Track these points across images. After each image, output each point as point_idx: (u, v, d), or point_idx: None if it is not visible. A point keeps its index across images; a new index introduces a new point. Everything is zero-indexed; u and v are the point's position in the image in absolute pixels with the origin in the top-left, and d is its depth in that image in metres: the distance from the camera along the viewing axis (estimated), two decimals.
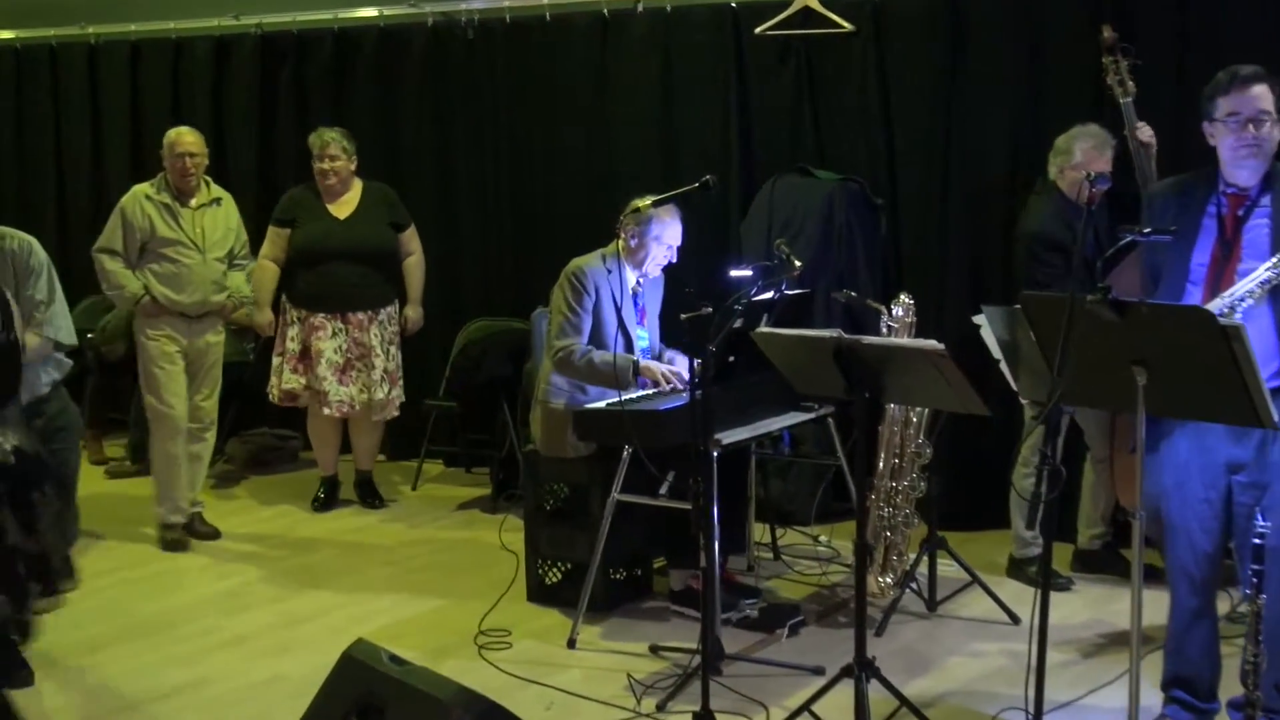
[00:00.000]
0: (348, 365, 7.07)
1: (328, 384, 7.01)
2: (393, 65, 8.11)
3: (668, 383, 5.49)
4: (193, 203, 6.68)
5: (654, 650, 5.25)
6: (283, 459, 8.38)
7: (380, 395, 7.08)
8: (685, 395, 5.10)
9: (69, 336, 5.56)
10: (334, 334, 7.06)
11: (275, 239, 7.19)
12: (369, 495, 7.40)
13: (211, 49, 8.69)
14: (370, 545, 6.74)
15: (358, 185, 7.13)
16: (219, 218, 6.77)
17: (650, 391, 5.49)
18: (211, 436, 6.96)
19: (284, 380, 7.11)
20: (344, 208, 7.07)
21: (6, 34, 9.48)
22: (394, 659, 3.97)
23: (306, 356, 7.08)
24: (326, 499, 7.39)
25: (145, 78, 9.01)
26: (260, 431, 8.36)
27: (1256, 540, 3.76)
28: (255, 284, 7.15)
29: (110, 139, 9.13)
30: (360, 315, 7.07)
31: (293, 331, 7.12)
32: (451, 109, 7.97)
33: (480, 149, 7.89)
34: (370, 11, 8.15)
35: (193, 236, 6.62)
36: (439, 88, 7.99)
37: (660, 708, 4.73)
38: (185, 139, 6.68)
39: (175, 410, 6.65)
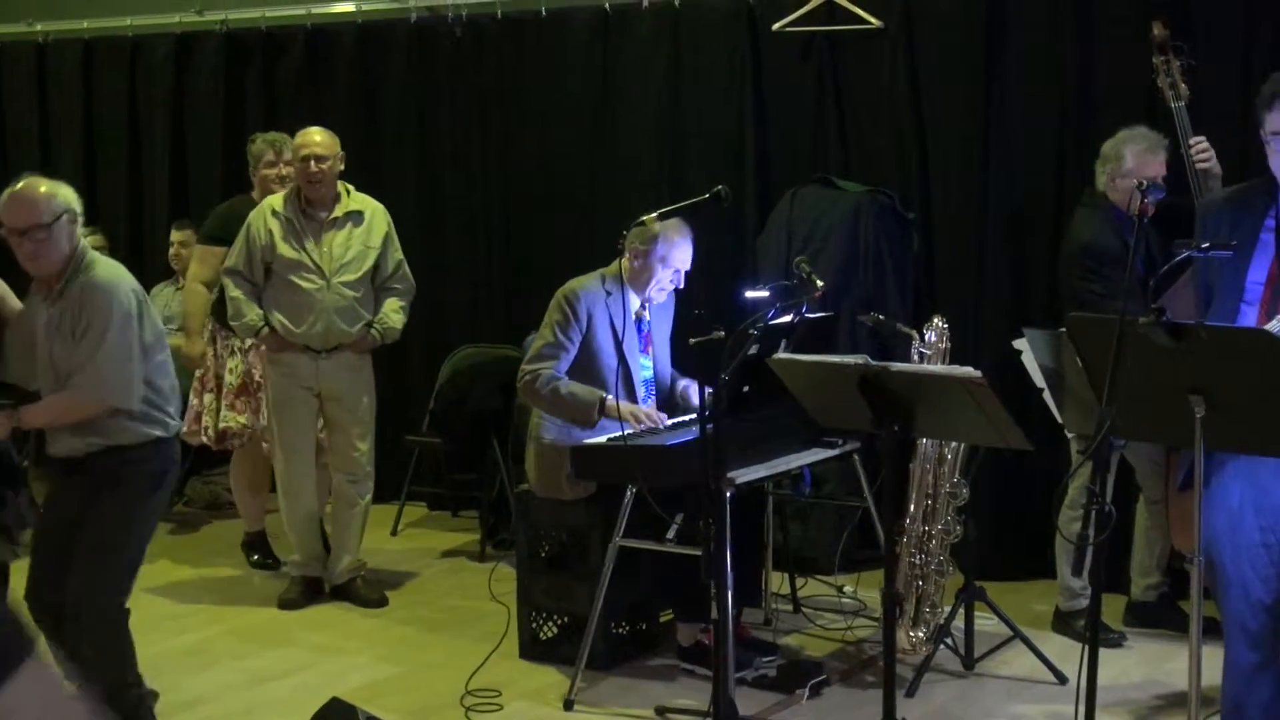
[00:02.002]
0: (237, 393, 6.92)
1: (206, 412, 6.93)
2: (372, 66, 8.15)
3: (638, 423, 5.43)
4: (322, 216, 6.39)
5: (660, 713, 5.24)
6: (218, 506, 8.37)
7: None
8: (695, 429, 5.08)
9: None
10: (236, 361, 6.93)
11: (207, 258, 6.94)
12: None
13: (172, 47, 8.72)
14: (342, 600, 6.68)
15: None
16: (355, 236, 6.43)
17: (657, 425, 5.48)
18: (366, 488, 6.67)
19: (220, 419, 6.93)
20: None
21: None
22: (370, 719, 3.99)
23: (246, 391, 6.92)
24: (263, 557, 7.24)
25: (99, 79, 9.04)
26: (222, 471, 8.34)
27: None
28: (185, 310, 7.08)
29: (61, 144, 9.14)
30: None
31: (232, 363, 6.94)
32: (437, 113, 8.00)
33: (469, 157, 7.92)
34: (347, 7, 8.20)
35: (315, 258, 6.34)
36: (423, 90, 8.02)
37: None
38: (312, 139, 6.35)
39: (297, 473, 6.53)
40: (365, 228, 6.43)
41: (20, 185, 4.74)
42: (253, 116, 8.39)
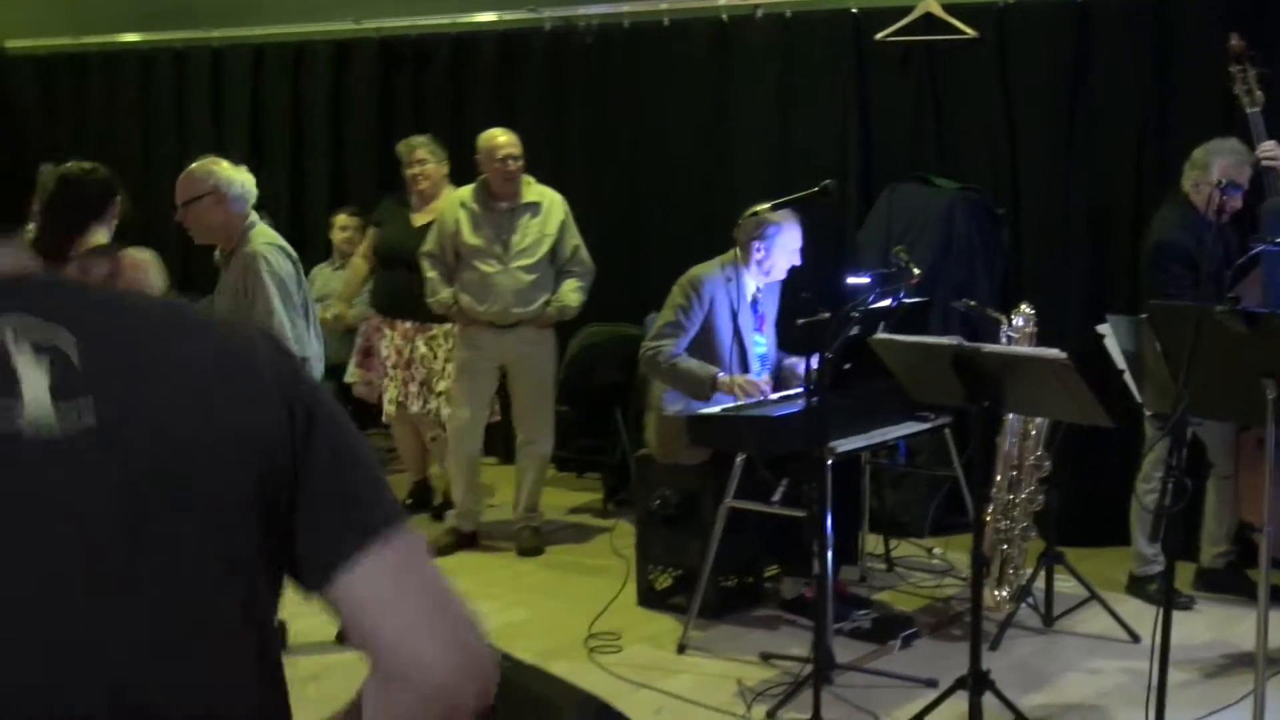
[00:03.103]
0: (391, 370, 7.10)
1: (385, 384, 7.13)
2: (511, 71, 8.16)
3: (747, 396, 5.46)
4: (503, 206, 6.48)
5: (765, 658, 5.25)
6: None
7: (415, 408, 6.98)
8: (801, 402, 5.09)
9: None
10: (387, 338, 7.12)
11: (368, 238, 7.37)
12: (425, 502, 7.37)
13: (332, 53, 8.80)
14: (481, 548, 6.78)
15: (447, 194, 6.89)
16: (532, 224, 6.51)
17: (765, 398, 5.49)
18: (540, 449, 6.74)
19: (348, 374, 7.39)
20: (425, 216, 6.91)
21: (133, 37, 9.67)
22: (506, 658, 4.02)
23: (370, 355, 7.30)
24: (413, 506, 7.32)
25: (267, 82, 9.15)
26: (378, 431, 8.42)
27: None
28: (345, 279, 7.42)
29: (232, 142, 9.25)
30: (407, 324, 7.00)
31: (361, 329, 7.32)
32: (569, 114, 8.02)
33: (597, 155, 7.93)
34: (489, 16, 8.21)
35: (496, 244, 6.45)
36: (556, 93, 8.03)
37: (770, 715, 4.73)
38: (500, 139, 6.46)
39: (462, 420, 6.61)
40: (542, 217, 6.52)
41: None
42: (402, 117, 8.43)
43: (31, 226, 4.81)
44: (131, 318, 1.40)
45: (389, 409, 7.09)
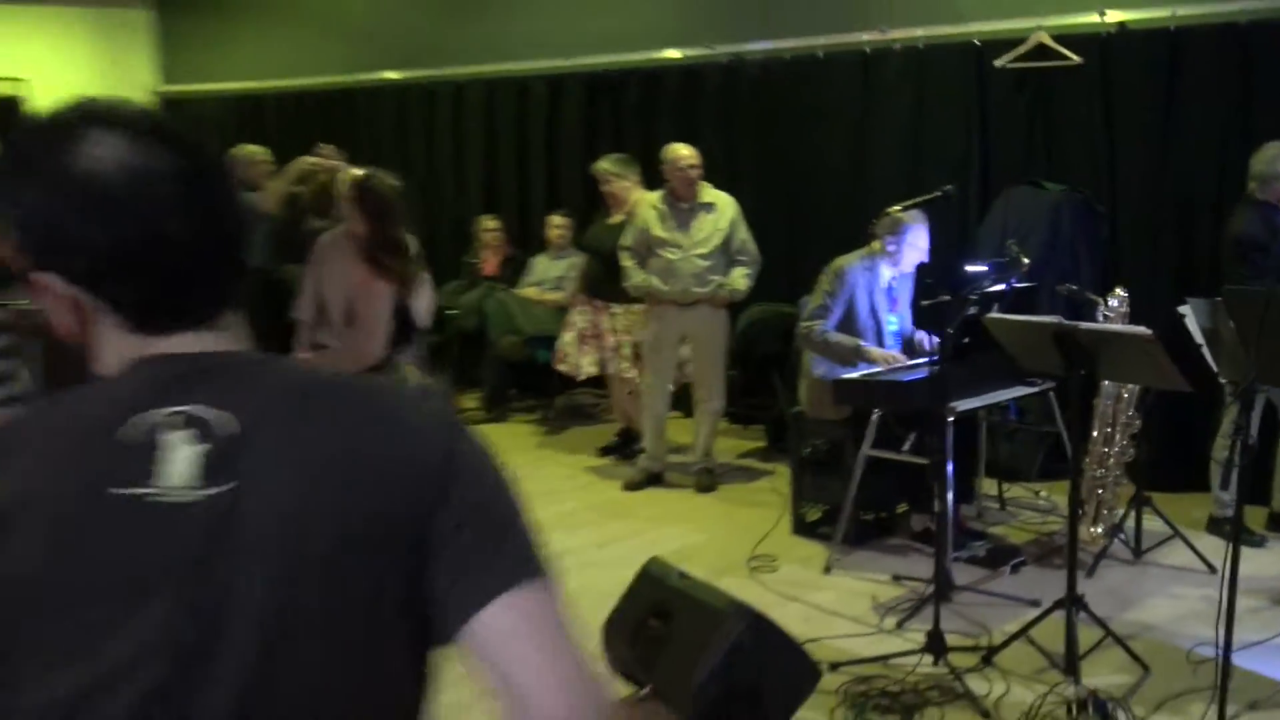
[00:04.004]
0: (583, 339, 7.23)
1: (570, 349, 7.28)
2: (691, 97, 8.15)
3: (885, 363, 5.43)
4: (684, 206, 6.49)
5: (896, 579, 5.22)
6: (599, 414, 8.49)
7: (611, 369, 7.17)
8: (927, 369, 5.04)
9: None
10: (582, 314, 7.27)
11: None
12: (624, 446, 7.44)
13: (547, 86, 8.89)
14: (666, 485, 6.81)
15: (636, 198, 6.91)
16: (707, 220, 6.50)
17: (898, 366, 5.45)
18: (714, 406, 6.75)
19: (559, 342, 7.47)
20: (616, 217, 7.00)
21: (392, 75, 9.87)
22: (682, 575, 4.05)
23: (592, 339, 7.35)
24: (616, 447, 7.47)
25: (499, 110, 9.27)
26: (582, 391, 8.54)
27: None
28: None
29: (469, 160, 9.45)
30: (598, 302, 7.17)
31: (579, 317, 7.35)
32: (739, 132, 7.97)
33: (762, 165, 7.87)
34: (674, 53, 8.21)
35: (678, 236, 6.47)
36: (729, 115, 7.99)
37: (899, 626, 4.72)
38: (682, 152, 6.49)
39: (652, 385, 6.72)
40: (716, 214, 6.52)
41: None
42: (604, 137, 8.49)
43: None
44: (302, 405, 1.26)
45: (590, 370, 7.21)
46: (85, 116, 1.23)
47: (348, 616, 1.22)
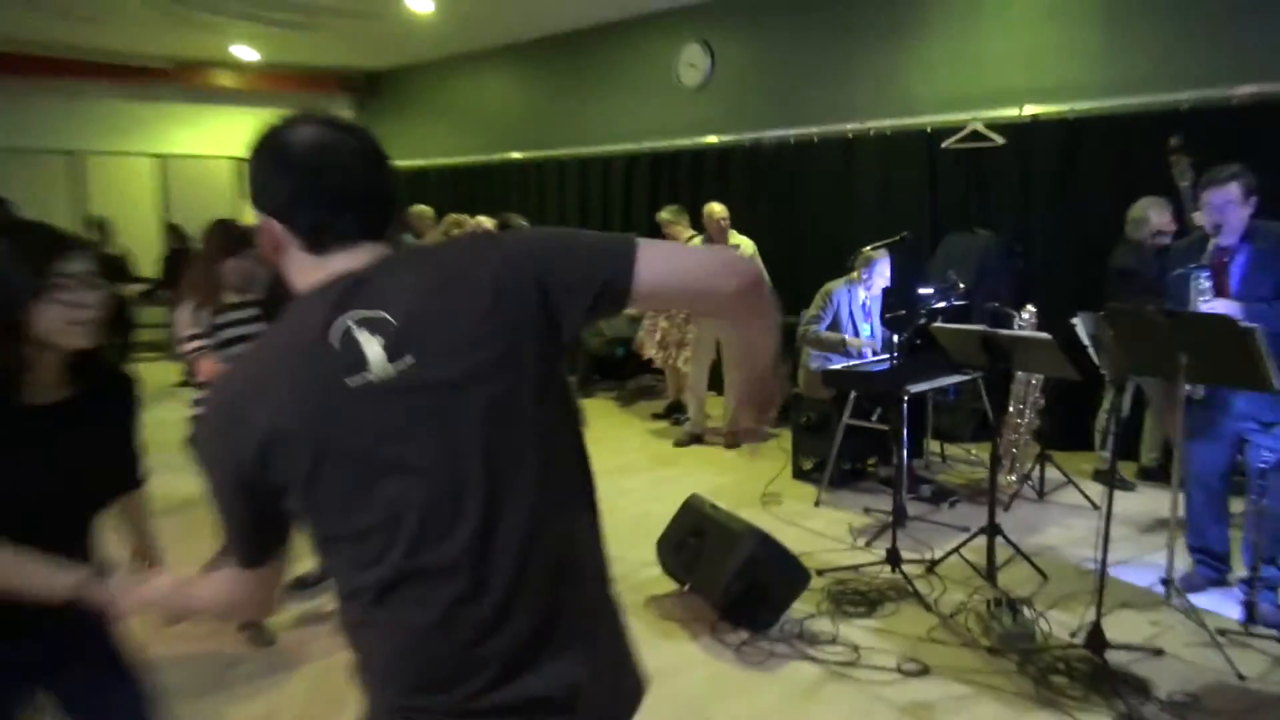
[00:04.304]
0: (651, 335, 7.05)
1: (646, 343, 7.11)
2: (724, 170, 8.07)
3: (859, 351, 5.38)
4: (716, 246, 6.39)
5: (866, 511, 5.17)
6: (658, 391, 8.45)
7: (670, 359, 7.02)
8: (889, 363, 4.98)
9: None
10: (651, 319, 7.08)
11: None
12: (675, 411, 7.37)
13: (624, 162, 8.84)
14: (705, 443, 6.77)
15: (686, 238, 6.85)
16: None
17: (868, 359, 5.40)
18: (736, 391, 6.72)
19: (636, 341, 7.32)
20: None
21: (516, 155, 9.88)
22: (713, 506, 4.06)
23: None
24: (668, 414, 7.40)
25: (589, 181, 9.23)
26: (647, 375, 8.52)
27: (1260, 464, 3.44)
28: None
29: (564, 215, 9.49)
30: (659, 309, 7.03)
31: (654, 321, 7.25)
32: (758, 194, 7.88)
33: (774, 219, 7.76)
34: (712, 139, 8.16)
35: None
36: (751, 182, 7.91)
37: (867, 545, 4.67)
38: (715, 208, 6.43)
39: (696, 371, 6.60)
40: (739, 252, 6.41)
41: None
42: (664, 200, 8.39)
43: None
44: (417, 279, 1.27)
45: (657, 357, 7.15)
46: (295, 116, 1.32)
47: (521, 399, 1.25)
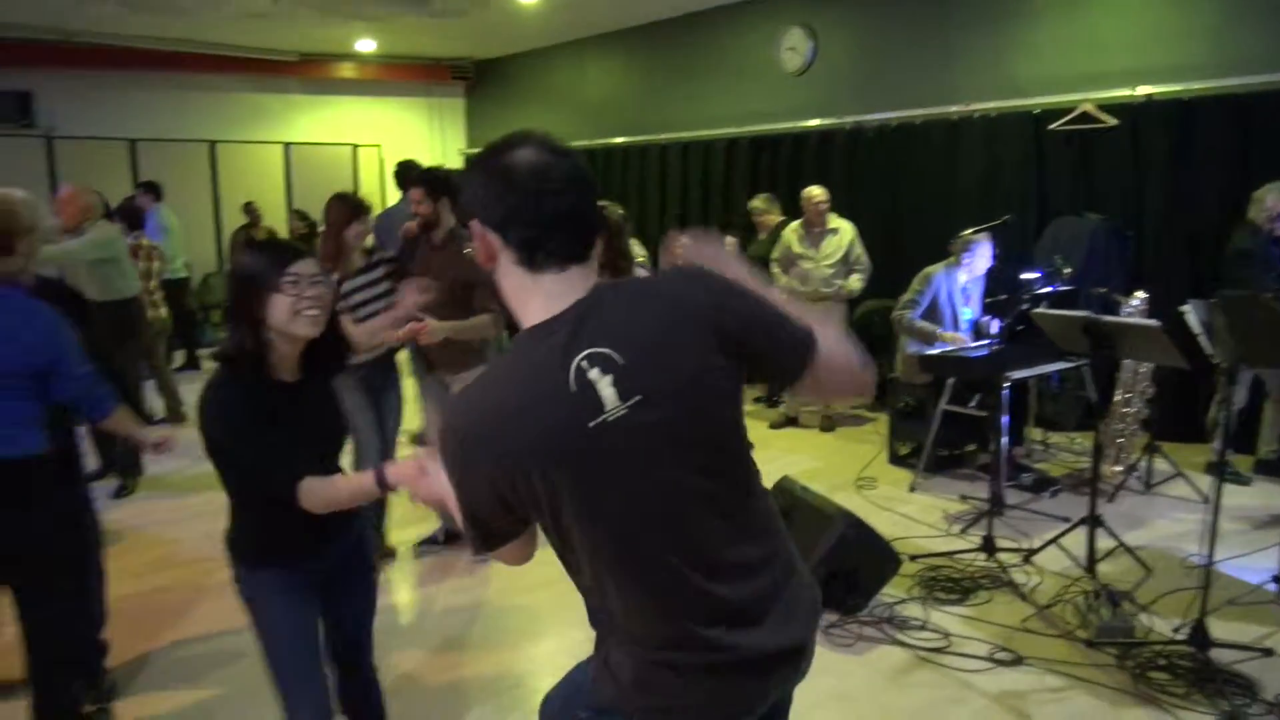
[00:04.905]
0: None
1: None
2: (825, 153, 7.94)
3: (954, 344, 5.18)
4: (816, 230, 6.34)
5: (962, 498, 5.05)
6: None
7: None
8: (988, 348, 4.83)
9: None
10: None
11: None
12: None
13: (725, 146, 8.75)
14: (799, 426, 6.70)
15: (778, 224, 6.88)
16: (831, 240, 6.32)
17: (968, 345, 5.24)
18: None
19: None
20: (762, 236, 7.04)
21: (618, 140, 9.93)
22: (804, 488, 4.02)
23: None
24: (766, 398, 7.32)
25: (690, 164, 9.19)
26: None
27: None
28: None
29: (669, 202, 9.47)
30: None
31: None
32: (859, 177, 7.69)
33: (877, 203, 7.58)
34: (814, 122, 8.04)
35: (811, 252, 6.32)
36: (852, 166, 7.75)
37: (963, 532, 4.56)
38: (814, 192, 6.34)
39: None
40: (839, 236, 6.35)
41: None
42: (768, 183, 8.36)
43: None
44: (630, 315, 1.36)
45: None
46: (518, 137, 1.39)
47: (727, 419, 1.41)
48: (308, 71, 11.22)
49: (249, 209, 9.96)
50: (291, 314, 2.01)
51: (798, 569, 1.54)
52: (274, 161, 11.22)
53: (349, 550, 2.29)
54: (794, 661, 1.48)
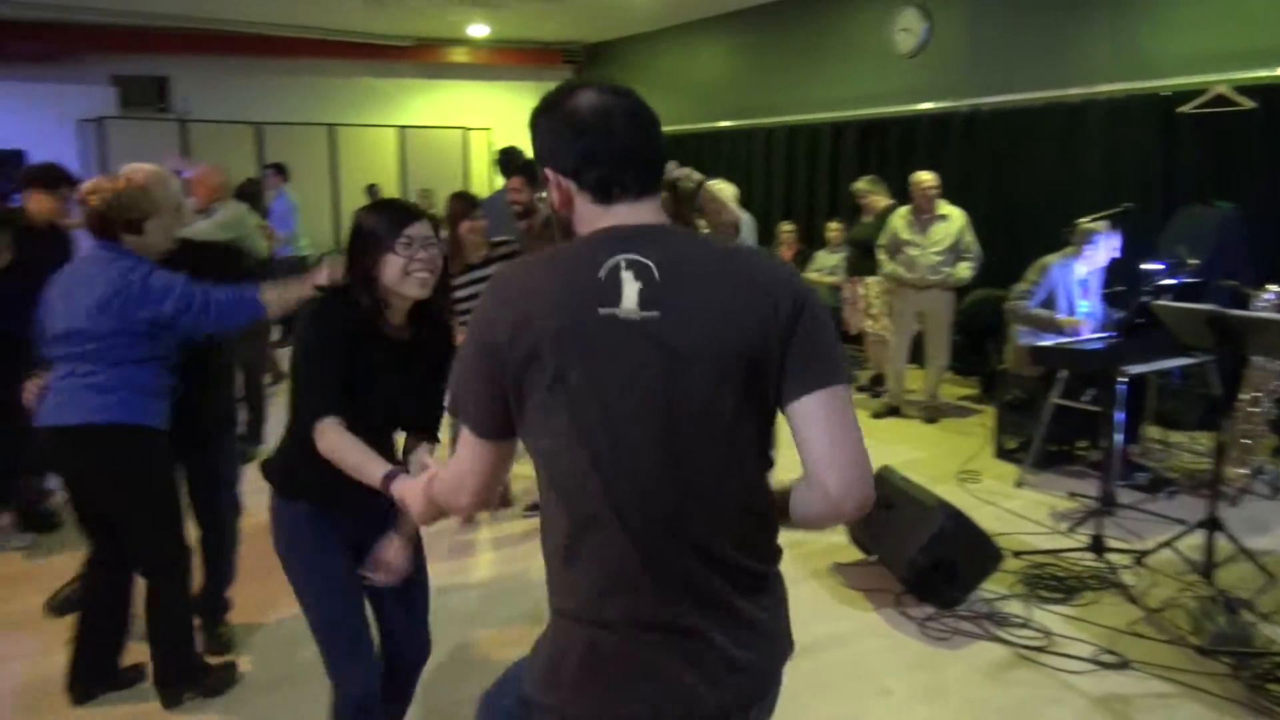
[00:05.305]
0: (852, 307, 7.12)
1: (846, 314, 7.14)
2: (937, 138, 7.75)
3: (1073, 328, 5.00)
4: (924, 216, 6.15)
5: (1071, 495, 4.89)
6: (858, 362, 8.23)
7: (867, 327, 7.00)
8: (1105, 341, 4.66)
9: None
10: (850, 289, 7.11)
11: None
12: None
13: (831, 131, 8.65)
14: (901, 416, 6.57)
15: (885, 208, 6.73)
16: (939, 227, 6.12)
17: (1083, 336, 5.05)
18: (941, 362, 6.37)
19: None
20: (867, 218, 6.91)
21: (726, 123, 9.87)
22: (904, 479, 3.97)
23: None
24: (868, 386, 7.23)
25: (802, 149, 9.11)
26: (846, 346, 8.36)
27: None
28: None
29: (775, 187, 9.38)
30: (855, 277, 7.04)
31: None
32: (975, 165, 7.49)
33: (992, 189, 7.37)
34: (927, 105, 7.84)
35: (919, 239, 6.16)
36: (967, 150, 7.55)
37: (1070, 530, 4.42)
38: (924, 178, 6.14)
39: (896, 343, 6.44)
40: (948, 223, 6.16)
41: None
42: (871, 168, 8.21)
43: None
44: (690, 255, 1.35)
45: (871, 327, 6.99)
46: (577, 84, 1.41)
47: (722, 399, 1.31)
48: (422, 56, 11.52)
49: (372, 191, 10.35)
50: (402, 274, 2.06)
51: (755, 623, 1.38)
52: (388, 144, 11.58)
53: (381, 516, 2.22)
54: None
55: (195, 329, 2.74)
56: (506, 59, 11.83)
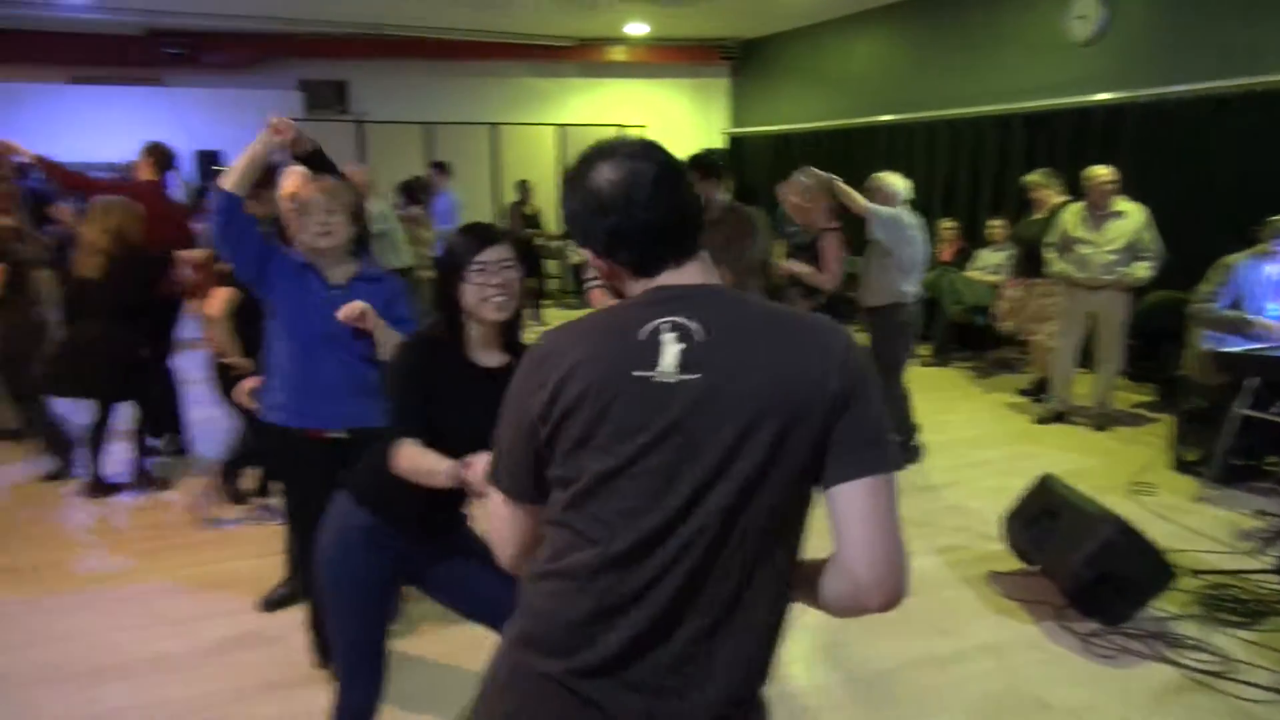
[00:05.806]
0: (1021, 310, 6.84)
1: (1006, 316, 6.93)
2: (1114, 132, 7.34)
3: (1270, 330, 4.63)
4: (1099, 213, 5.82)
5: (1259, 513, 4.55)
6: (1020, 366, 7.87)
7: (1032, 332, 6.72)
8: None
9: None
10: (1014, 289, 6.87)
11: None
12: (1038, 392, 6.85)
13: (992, 124, 8.34)
14: (1067, 423, 6.23)
15: (1058, 204, 6.38)
16: (1115, 224, 5.78)
17: (1275, 342, 4.70)
18: (1113, 366, 6.02)
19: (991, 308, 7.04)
20: (1038, 215, 6.57)
21: (885, 118, 9.69)
22: (1068, 487, 3.82)
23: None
24: (1032, 391, 6.90)
25: (946, 141, 8.85)
26: (1009, 347, 8.03)
27: None
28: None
29: (935, 184, 9.12)
30: (1023, 279, 6.76)
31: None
32: (1157, 159, 7.05)
33: (1173, 184, 6.89)
34: (1103, 95, 7.44)
35: (1092, 236, 5.83)
36: (1148, 146, 7.12)
37: (1256, 550, 4.13)
38: (1100, 172, 5.79)
39: (1064, 345, 6.12)
40: (1125, 220, 5.79)
41: None
42: (1038, 162, 7.85)
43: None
44: (741, 318, 1.31)
45: (1010, 327, 6.74)
46: (597, 151, 1.37)
47: (766, 467, 1.27)
48: (582, 56, 11.79)
49: (522, 186, 10.72)
50: (479, 300, 2.07)
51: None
52: (547, 142, 11.92)
53: (449, 546, 2.27)
54: None
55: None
56: (664, 57, 11.95)
